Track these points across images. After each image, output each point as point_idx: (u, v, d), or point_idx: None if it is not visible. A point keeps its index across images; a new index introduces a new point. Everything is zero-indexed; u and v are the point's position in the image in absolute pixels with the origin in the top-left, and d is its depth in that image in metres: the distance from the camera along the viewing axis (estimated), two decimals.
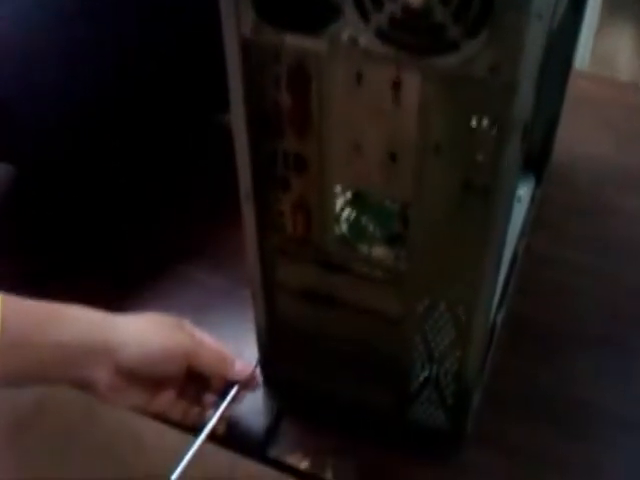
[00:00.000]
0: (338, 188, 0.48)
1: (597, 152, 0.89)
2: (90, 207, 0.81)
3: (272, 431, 0.60)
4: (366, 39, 0.38)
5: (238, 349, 0.65)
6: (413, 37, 0.36)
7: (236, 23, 0.40)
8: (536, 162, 0.83)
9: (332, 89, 0.42)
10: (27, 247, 0.77)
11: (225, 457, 0.72)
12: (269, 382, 0.63)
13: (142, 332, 0.53)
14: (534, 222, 0.79)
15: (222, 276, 0.74)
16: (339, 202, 0.49)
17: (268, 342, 0.61)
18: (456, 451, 0.57)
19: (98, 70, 0.69)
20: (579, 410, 0.61)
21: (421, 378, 0.55)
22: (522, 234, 0.76)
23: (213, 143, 0.84)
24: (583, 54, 2.46)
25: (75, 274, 0.74)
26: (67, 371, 0.50)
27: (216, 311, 0.70)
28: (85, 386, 0.51)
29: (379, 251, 0.50)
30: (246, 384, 0.57)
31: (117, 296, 0.71)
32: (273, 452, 0.58)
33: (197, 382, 0.56)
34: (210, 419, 0.54)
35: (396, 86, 0.39)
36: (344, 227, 0.51)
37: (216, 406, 0.56)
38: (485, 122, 0.39)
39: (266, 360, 0.63)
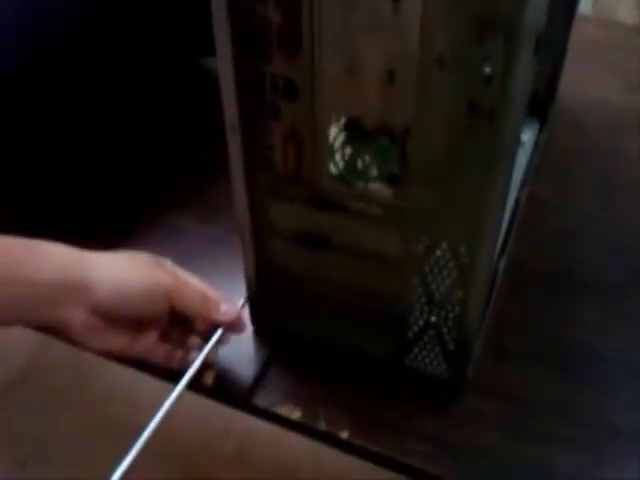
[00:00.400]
0: (332, 115, 0.44)
1: (602, 96, 0.86)
2: (77, 158, 0.77)
3: (260, 380, 0.57)
4: None
5: (228, 298, 0.62)
6: None
7: None
8: (540, 107, 0.79)
9: (325, 2, 0.38)
10: (6, 201, 0.73)
11: (219, 412, 0.70)
12: (259, 330, 0.61)
13: (120, 269, 0.50)
14: (537, 168, 0.75)
15: (212, 224, 0.71)
16: (333, 132, 0.45)
17: (258, 289, 0.58)
18: (455, 399, 0.55)
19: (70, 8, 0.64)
20: (583, 356, 0.58)
21: (420, 323, 0.52)
22: (525, 180, 0.73)
23: (202, 90, 0.80)
24: (585, 3, 2.39)
25: (60, 226, 0.70)
26: (40, 311, 0.47)
27: (205, 260, 0.67)
28: (60, 328, 0.48)
29: (376, 187, 0.47)
30: (231, 326, 0.54)
31: (104, 246, 0.68)
32: (264, 403, 0.55)
33: (181, 324, 0.53)
34: (193, 362, 0.51)
35: None
36: (339, 161, 0.47)
37: (200, 349, 0.53)
38: (493, 32, 0.35)
39: (256, 308, 0.60)
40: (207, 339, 0.53)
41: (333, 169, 0.48)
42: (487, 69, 0.36)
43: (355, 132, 0.45)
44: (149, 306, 0.50)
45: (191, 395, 0.58)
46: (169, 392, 0.49)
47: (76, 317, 0.47)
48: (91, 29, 0.69)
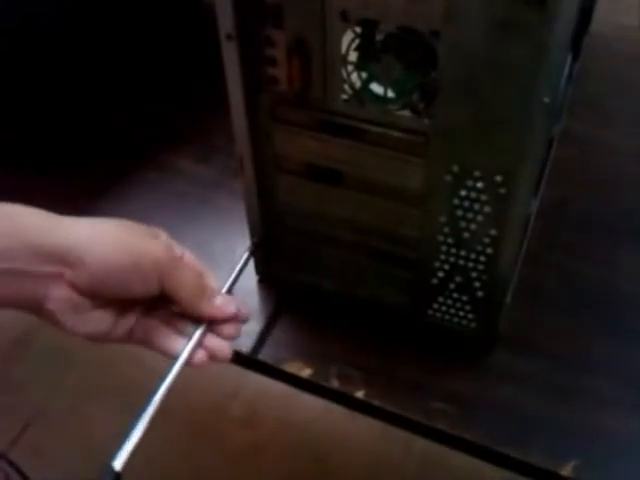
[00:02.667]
0: (345, 19, 0.37)
1: (636, 22, 0.78)
2: (74, 95, 0.70)
3: (266, 335, 0.51)
4: None
5: (229, 246, 0.56)
6: None
7: None
8: (573, 35, 0.71)
9: None
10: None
11: (227, 373, 0.66)
12: (264, 280, 0.54)
13: (105, 239, 0.41)
14: (572, 101, 0.68)
15: (210, 165, 0.64)
16: (346, 40, 0.38)
17: (262, 233, 0.52)
18: (485, 355, 0.48)
19: None
20: (624, 307, 0.52)
21: (446, 267, 0.45)
22: (559, 114, 0.65)
23: (203, 25, 0.73)
24: None
25: (54, 164, 0.64)
26: (11, 287, 0.39)
27: (204, 204, 0.61)
28: (37, 307, 0.40)
29: (397, 108, 0.40)
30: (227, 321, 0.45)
31: (101, 186, 0.62)
32: (270, 359, 0.49)
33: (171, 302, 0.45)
34: (180, 354, 0.43)
35: None
36: (353, 78, 0.40)
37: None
38: None
39: (260, 254, 0.53)
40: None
41: (346, 88, 0.41)
42: None
43: (372, 43, 0.38)
44: (137, 283, 0.41)
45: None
46: (157, 384, 0.42)
47: (57, 294, 0.40)
48: None
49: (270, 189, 0.49)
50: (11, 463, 0.80)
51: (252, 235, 0.52)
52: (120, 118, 0.69)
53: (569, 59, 0.70)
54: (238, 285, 0.54)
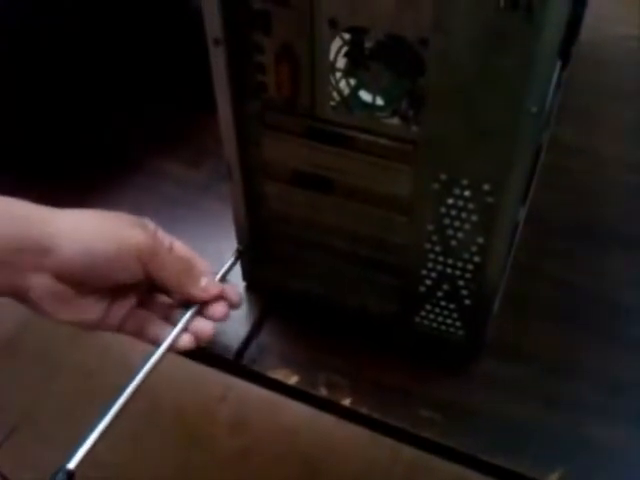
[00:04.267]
0: (333, 26, 0.37)
1: (627, 32, 0.78)
2: (63, 100, 0.70)
3: (253, 341, 0.50)
4: None
5: (217, 250, 0.56)
6: None
7: None
8: (563, 43, 0.71)
9: None
10: None
11: (215, 377, 0.65)
12: (252, 286, 0.54)
13: (87, 228, 0.41)
14: (560, 110, 0.68)
15: (198, 169, 0.64)
16: (335, 47, 0.38)
17: (250, 239, 0.52)
18: (472, 363, 0.48)
19: None
20: (611, 315, 0.52)
21: (433, 275, 0.45)
22: (547, 123, 0.65)
23: (193, 30, 0.73)
24: None
25: (42, 169, 0.64)
26: None
27: (193, 208, 0.61)
28: (22, 296, 0.40)
29: (386, 115, 0.40)
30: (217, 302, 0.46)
31: (89, 189, 0.61)
32: (257, 367, 0.49)
33: (163, 292, 0.46)
34: (165, 340, 0.44)
35: None
36: (342, 85, 0.40)
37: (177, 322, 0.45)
38: None
39: (248, 260, 0.53)
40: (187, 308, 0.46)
41: (335, 95, 0.41)
42: None
43: (361, 50, 0.38)
44: (120, 270, 0.42)
45: (185, 360, 0.52)
46: (137, 369, 0.42)
47: (39, 284, 0.40)
48: None
49: (258, 195, 0.48)
50: None
51: (239, 241, 0.52)
52: (109, 120, 0.69)
53: (558, 67, 0.71)
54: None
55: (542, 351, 0.50)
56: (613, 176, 0.64)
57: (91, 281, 0.41)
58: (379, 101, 0.40)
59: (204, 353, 0.51)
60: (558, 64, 0.70)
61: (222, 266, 0.52)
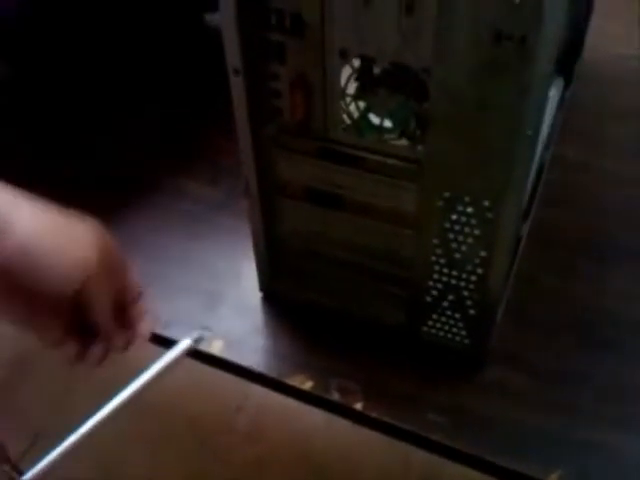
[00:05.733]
0: (343, 56, 0.40)
1: (630, 52, 0.81)
2: (84, 121, 0.74)
3: (270, 350, 0.53)
4: None
5: (234, 265, 0.59)
6: None
7: None
8: (565, 62, 0.74)
9: None
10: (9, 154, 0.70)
11: (233, 387, 0.67)
12: (267, 298, 0.57)
13: (42, 217, 0.39)
14: (563, 128, 0.71)
15: (216, 188, 0.67)
16: (345, 75, 0.41)
17: (267, 255, 0.55)
18: (477, 370, 0.51)
19: None
20: (612, 326, 0.54)
21: (439, 287, 0.48)
22: (550, 140, 0.68)
23: (209, 47, 0.77)
24: None
25: (68, 185, 0.67)
26: None
27: (210, 225, 0.64)
28: None
29: (393, 137, 0.43)
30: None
31: (111, 206, 0.65)
32: (273, 373, 0.52)
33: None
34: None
35: None
36: (352, 109, 0.43)
37: None
38: None
39: (264, 273, 0.56)
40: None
41: (345, 118, 0.44)
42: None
43: (369, 77, 0.41)
44: (54, 289, 0.38)
45: (203, 370, 0.54)
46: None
47: None
48: None
49: (274, 212, 0.51)
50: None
51: (256, 253, 0.55)
52: (128, 139, 0.72)
53: (561, 85, 0.74)
54: (243, 301, 0.57)
55: (544, 360, 0.52)
56: (613, 191, 0.66)
57: (23, 285, 0.38)
58: (387, 123, 0.43)
59: (223, 362, 0.54)
60: (561, 83, 0.73)
61: (238, 280, 0.55)
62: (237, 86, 0.43)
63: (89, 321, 0.41)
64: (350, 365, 0.52)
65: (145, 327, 0.44)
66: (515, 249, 0.57)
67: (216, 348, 0.53)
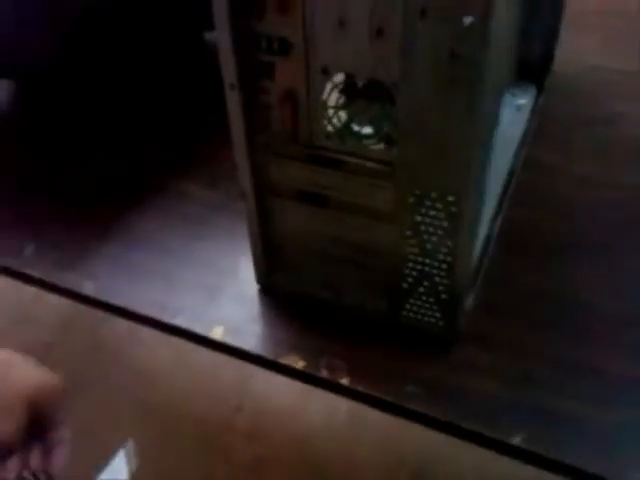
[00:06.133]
0: (325, 72, 0.47)
1: (601, 63, 0.87)
2: (88, 125, 0.81)
3: (267, 334, 0.60)
4: None
5: (233, 263, 0.65)
6: None
7: None
8: (537, 71, 0.81)
9: None
10: (22, 166, 0.77)
11: (233, 387, 0.72)
12: (264, 289, 0.63)
13: None
14: (535, 132, 0.77)
15: (215, 190, 0.74)
16: (328, 90, 0.48)
17: (262, 251, 0.61)
18: (449, 349, 0.57)
19: None
20: (577, 310, 0.60)
21: (414, 274, 0.54)
22: (522, 144, 0.75)
23: (207, 61, 0.83)
24: None
25: (73, 192, 0.74)
26: None
27: (210, 226, 0.70)
28: None
29: (370, 143, 0.50)
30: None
31: (115, 209, 0.71)
32: (270, 355, 0.58)
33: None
34: None
35: None
36: (334, 119, 0.50)
37: None
38: None
39: (260, 267, 0.62)
40: None
41: (329, 127, 0.50)
42: (468, 19, 0.38)
43: (349, 90, 0.48)
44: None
45: (204, 371, 0.61)
46: None
47: None
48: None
49: (267, 212, 0.58)
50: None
51: (253, 250, 0.61)
52: (137, 147, 0.79)
53: (534, 94, 0.80)
54: (241, 293, 0.63)
55: (512, 341, 0.58)
56: (581, 193, 0.73)
57: None
58: (366, 130, 0.49)
59: (226, 346, 0.60)
60: (534, 92, 0.79)
61: (237, 278, 0.61)
62: (233, 99, 0.49)
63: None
64: (337, 347, 0.58)
65: (59, 456, 0.46)
66: (487, 246, 0.63)
67: (217, 334, 0.60)
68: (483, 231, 0.63)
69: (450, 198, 0.48)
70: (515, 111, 0.76)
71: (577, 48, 0.88)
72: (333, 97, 0.49)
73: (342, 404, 0.66)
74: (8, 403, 0.41)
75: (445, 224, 0.50)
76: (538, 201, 0.72)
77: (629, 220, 0.69)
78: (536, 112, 0.79)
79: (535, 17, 0.76)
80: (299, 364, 0.57)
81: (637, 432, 0.52)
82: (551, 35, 0.81)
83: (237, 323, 0.61)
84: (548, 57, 0.82)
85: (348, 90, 0.48)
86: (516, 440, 0.51)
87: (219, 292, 0.63)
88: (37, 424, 0.45)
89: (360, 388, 0.55)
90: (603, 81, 0.87)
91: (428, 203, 0.49)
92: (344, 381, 0.56)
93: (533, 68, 0.80)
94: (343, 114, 0.50)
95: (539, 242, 0.67)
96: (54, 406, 0.45)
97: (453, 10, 0.39)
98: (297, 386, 0.59)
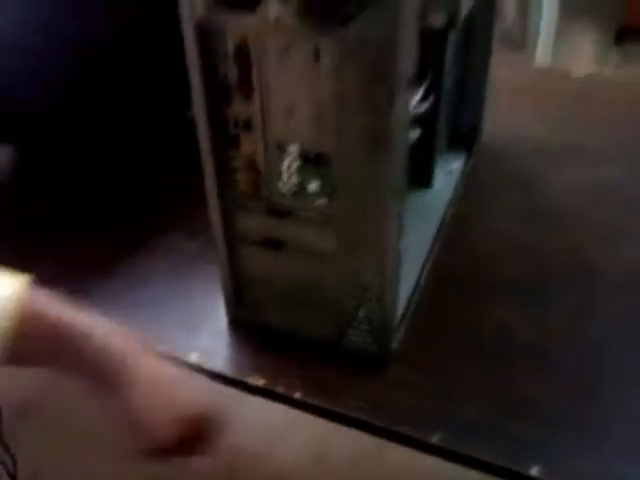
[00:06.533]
0: (279, 145, 0.60)
1: (528, 133, 1.03)
2: (82, 185, 0.94)
3: (233, 359, 0.72)
4: (288, 18, 0.51)
5: (208, 300, 0.77)
6: (323, 13, 0.49)
7: (191, 6, 0.53)
8: (467, 139, 0.96)
9: (267, 60, 0.55)
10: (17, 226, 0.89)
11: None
12: (233, 322, 0.75)
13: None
14: (463, 193, 0.92)
15: (195, 241, 0.86)
16: (282, 157, 0.62)
17: (231, 290, 0.73)
18: (383, 368, 0.69)
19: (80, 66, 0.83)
20: (496, 339, 0.73)
21: (353, 306, 0.67)
22: (451, 203, 0.89)
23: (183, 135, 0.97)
24: (543, 52, 2.64)
25: (70, 246, 0.86)
26: None
27: (190, 270, 0.83)
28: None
29: (316, 199, 0.63)
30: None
31: (116, 256, 0.83)
32: (236, 375, 0.70)
33: None
34: None
35: (315, 54, 0.52)
36: (287, 181, 0.63)
37: None
38: (378, 83, 0.51)
39: (230, 304, 0.75)
40: None
41: (284, 187, 0.64)
42: (377, 109, 0.52)
43: (301, 159, 0.61)
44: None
45: None
46: None
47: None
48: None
49: (235, 257, 0.70)
50: None
51: (223, 290, 0.74)
52: (130, 205, 0.92)
53: (463, 159, 0.95)
54: (214, 325, 0.75)
55: (437, 363, 0.71)
56: (501, 243, 0.86)
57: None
58: (312, 188, 0.63)
59: (198, 368, 0.72)
60: (463, 158, 0.94)
61: (214, 315, 0.73)
62: (208, 165, 0.63)
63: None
64: (293, 368, 0.70)
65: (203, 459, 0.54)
66: (418, 283, 0.76)
67: (193, 358, 0.71)
68: (415, 272, 0.76)
69: (375, 241, 0.61)
70: (447, 175, 0.90)
71: (506, 120, 1.04)
72: (289, 163, 0.62)
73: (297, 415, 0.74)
74: (175, 415, 0.50)
75: (374, 262, 0.63)
76: (463, 250, 0.85)
77: (537, 262, 0.82)
78: (465, 175, 0.93)
79: (464, 92, 0.92)
80: (260, 382, 0.69)
81: (534, 434, 0.64)
82: (479, 107, 0.97)
83: (210, 350, 0.73)
84: (476, 127, 0.97)
85: (303, 156, 0.61)
86: (434, 439, 0.63)
87: (196, 325, 0.75)
88: (190, 440, 0.51)
89: (310, 401, 0.67)
90: (526, 149, 1.02)
91: (361, 247, 0.62)
92: (297, 395, 0.67)
93: (463, 136, 0.95)
94: (295, 176, 0.63)
95: (462, 281, 0.80)
96: (209, 430, 0.52)
97: (368, 102, 0.53)
98: (259, 401, 0.70)
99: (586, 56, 2.80)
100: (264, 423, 1.26)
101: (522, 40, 2.60)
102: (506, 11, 2.98)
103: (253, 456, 1.40)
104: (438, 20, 0.64)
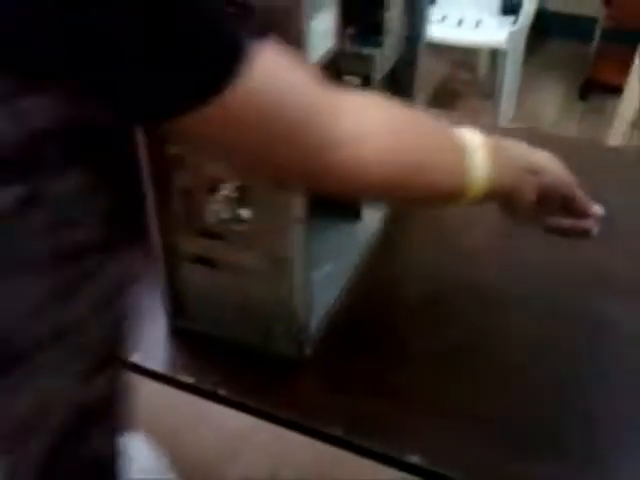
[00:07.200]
0: (212, 189, 0.72)
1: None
2: None
3: (170, 362, 0.83)
4: None
5: (151, 310, 0.88)
6: None
7: None
8: None
9: None
10: None
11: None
12: (173, 330, 0.86)
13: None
14: (391, 218, 1.03)
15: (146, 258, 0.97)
16: (215, 193, 0.73)
17: (171, 300, 0.84)
18: (299, 369, 0.80)
19: None
20: (397, 346, 0.84)
21: (274, 317, 0.78)
22: (379, 231, 1.01)
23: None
24: (506, 110, 2.85)
25: None
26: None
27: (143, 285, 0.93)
28: (513, 200, 0.67)
29: (242, 225, 0.74)
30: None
31: None
32: (170, 374, 0.81)
33: None
34: None
35: None
36: (219, 210, 0.75)
37: None
38: None
39: (170, 315, 0.85)
40: None
41: (214, 214, 0.75)
42: None
43: (228, 190, 0.73)
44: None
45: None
46: None
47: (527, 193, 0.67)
48: None
49: (175, 272, 0.81)
50: None
51: (165, 302, 0.84)
52: None
53: None
54: (156, 331, 0.86)
55: (347, 364, 0.82)
56: (404, 300, 0.98)
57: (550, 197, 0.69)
58: (238, 215, 0.74)
59: (143, 370, 0.82)
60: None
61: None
62: (149, 192, 0.74)
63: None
64: (221, 369, 0.81)
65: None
66: (338, 300, 0.88)
67: (135, 358, 0.82)
68: (335, 291, 0.88)
69: (288, 265, 0.73)
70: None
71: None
72: (218, 195, 0.74)
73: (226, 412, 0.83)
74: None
75: (288, 284, 0.74)
76: (385, 273, 0.97)
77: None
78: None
79: None
80: (190, 380, 0.80)
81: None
82: None
83: (149, 352, 0.84)
84: None
85: (230, 189, 0.73)
86: (338, 432, 0.74)
87: (139, 331, 0.86)
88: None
89: (235, 398, 0.78)
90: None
91: (277, 268, 0.74)
92: (222, 392, 0.78)
93: None
94: (223, 204, 0.74)
95: (364, 322, 0.91)
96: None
97: None
98: (188, 397, 0.81)
99: (550, 109, 2.99)
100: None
101: (491, 92, 2.80)
102: (480, 65, 3.18)
103: None
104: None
